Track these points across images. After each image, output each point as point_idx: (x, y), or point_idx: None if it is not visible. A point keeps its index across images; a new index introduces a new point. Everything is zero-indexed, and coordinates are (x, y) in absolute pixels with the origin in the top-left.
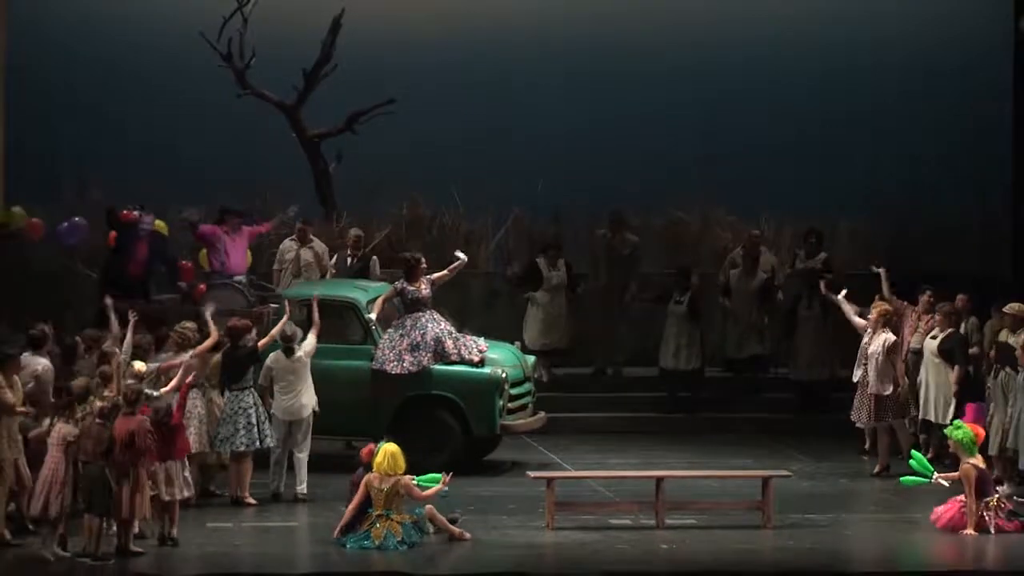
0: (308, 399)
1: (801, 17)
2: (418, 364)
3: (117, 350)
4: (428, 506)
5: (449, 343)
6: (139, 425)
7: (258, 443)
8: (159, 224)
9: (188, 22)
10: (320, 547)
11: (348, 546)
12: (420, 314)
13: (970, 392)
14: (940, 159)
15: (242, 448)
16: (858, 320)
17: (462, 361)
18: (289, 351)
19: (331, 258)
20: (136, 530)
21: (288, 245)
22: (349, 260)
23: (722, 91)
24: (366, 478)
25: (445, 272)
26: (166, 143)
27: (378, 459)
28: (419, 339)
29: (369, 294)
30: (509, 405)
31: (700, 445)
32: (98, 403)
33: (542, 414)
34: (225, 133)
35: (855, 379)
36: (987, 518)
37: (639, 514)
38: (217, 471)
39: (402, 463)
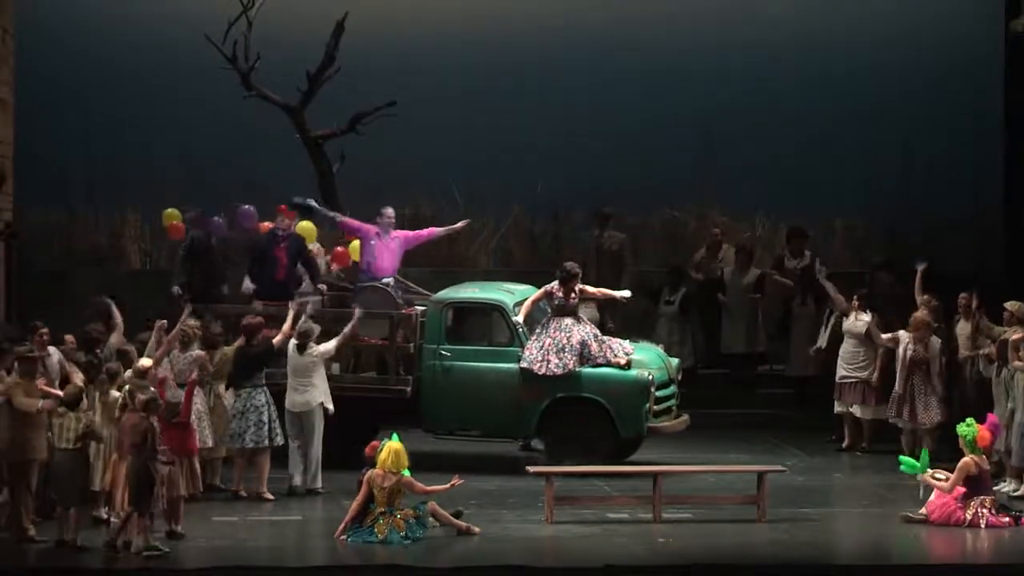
0: (318, 395)
1: (798, 18)
2: (563, 367)
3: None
4: (430, 502)
5: (594, 346)
6: (142, 422)
7: (267, 441)
8: (304, 226)
9: (193, 24)
10: (324, 541)
11: (351, 541)
12: (565, 317)
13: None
14: (933, 159)
15: (250, 445)
16: (885, 337)
17: (608, 364)
18: (302, 348)
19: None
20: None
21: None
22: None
23: (720, 91)
24: (369, 475)
25: (599, 292)
26: (171, 144)
27: (382, 456)
28: (564, 341)
29: (516, 297)
30: (655, 407)
31: (695, 441)
32: (141, 396)
33: (685, 416)
34: (230, 134)
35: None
36: (980, 514)
37: (636, 508)
38: (220, 466)
39: (405, 460)
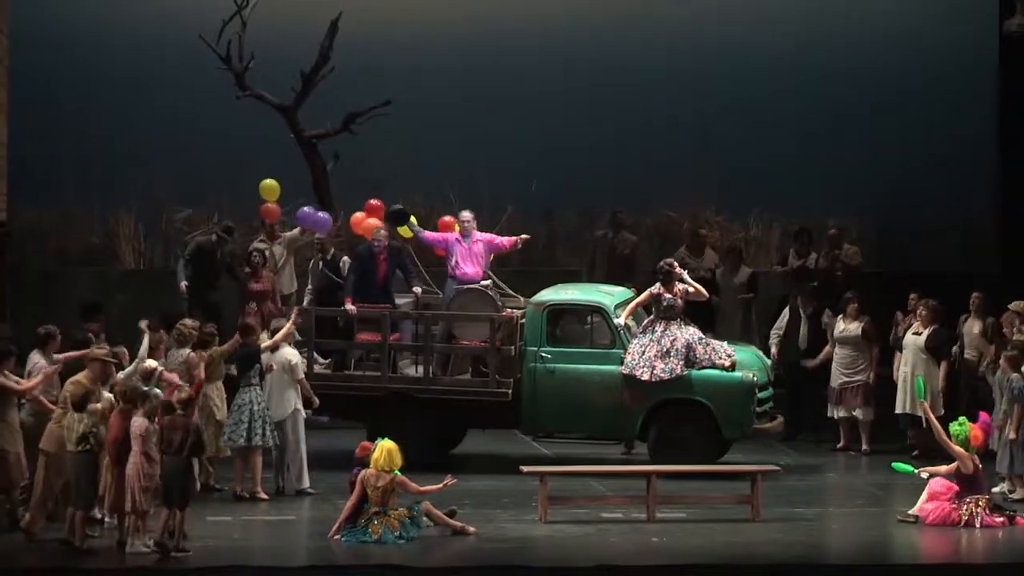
0: (290, 399)
1: (793, 19)
2: (670, 372)
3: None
4: (425, 502)
5: (699, 348)
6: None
7: (259, 439)
8: (402, 230)
9: (188, 24)
10: (319, 540)
11: (345, 540)
12: (670, 321)
13: (956, 388)
14: (927, 159)
15: (241, 443)
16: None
17: (713, 366)
18: (274, 349)
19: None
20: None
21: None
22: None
23: (715, 93)
24: (362, 475)
25: (695, 291)
26: (166, 144)
27: (375, 455)
28: (669, 346)
29: (616, 298)
30: (756, 409)
31: None
32: (182, 394)
33: (780, 418)
34: (224, 134)
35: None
36: (975, 514)
37: (630, 508)
38: (217, 465)
39: (398, 460)
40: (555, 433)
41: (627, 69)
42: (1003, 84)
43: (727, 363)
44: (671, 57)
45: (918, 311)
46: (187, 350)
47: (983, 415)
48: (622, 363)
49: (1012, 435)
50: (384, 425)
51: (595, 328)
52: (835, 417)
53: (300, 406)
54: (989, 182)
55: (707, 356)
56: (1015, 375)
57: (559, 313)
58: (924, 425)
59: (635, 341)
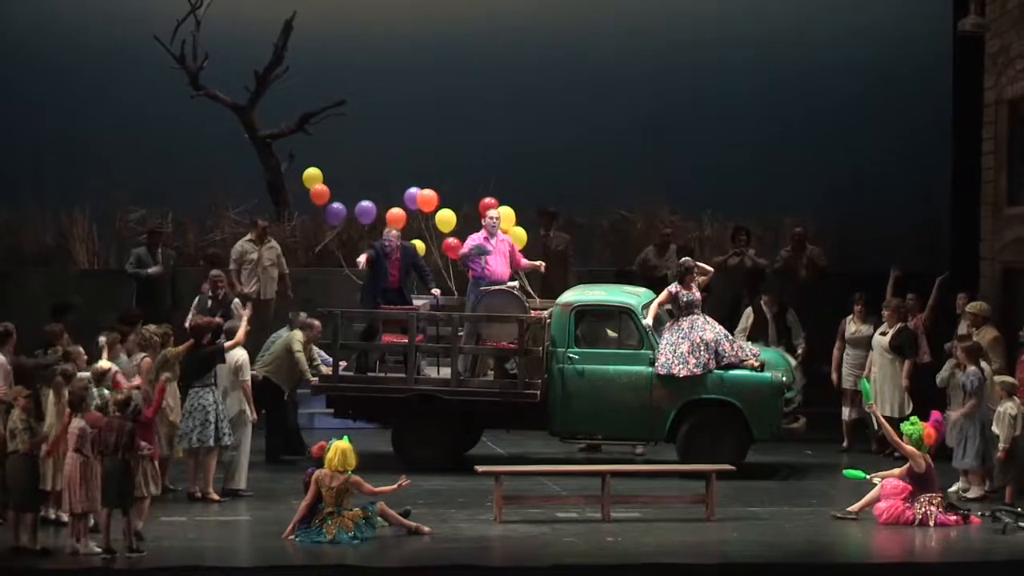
0: (235, 399)
1: (746, 19)
2: (703, 366)
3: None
4: (380, 503)
5: (727, 345)
6: (118, 422)
7: (213, 441)
8: (416, 243)
9: (142, 24)
10: (273, 541)
11: (300, 540)
12: (695, 317)
13: (922, 386)
14: (882, 159)
15: (197, 445)
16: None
17: (740, 364)
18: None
19: None
20: (91, 523)
21: (247, 246)
22: (208, 301)
23: (669, 93)
24: (317, 475)
25: (703, 278)
26: (120, 144)
27: (329, 455)
28: (698, 341)
29: (642, 299)
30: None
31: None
32: (119, 396)
33: (803, 418)
34: (177, 134)
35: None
36: (928, 512)
37: (585, 508)
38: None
39: (352, 460)
40: (582, 435)
41: (581, 69)
42: (957, 83)
43: (756, 363)
44: (624, 57)
45: (883, 311)
46: (138, 356)
47: (935, 413)
48: (651, 363)
49: (958, 424)
50: (408, 427)
51: (623, 329)
52: (847, 420)
53: (246, 407)
54: (944, 182)
55: (735, 353)
56: (972, 368)
57: (586, 314)
58: (876, 427)
59: (664, 340)
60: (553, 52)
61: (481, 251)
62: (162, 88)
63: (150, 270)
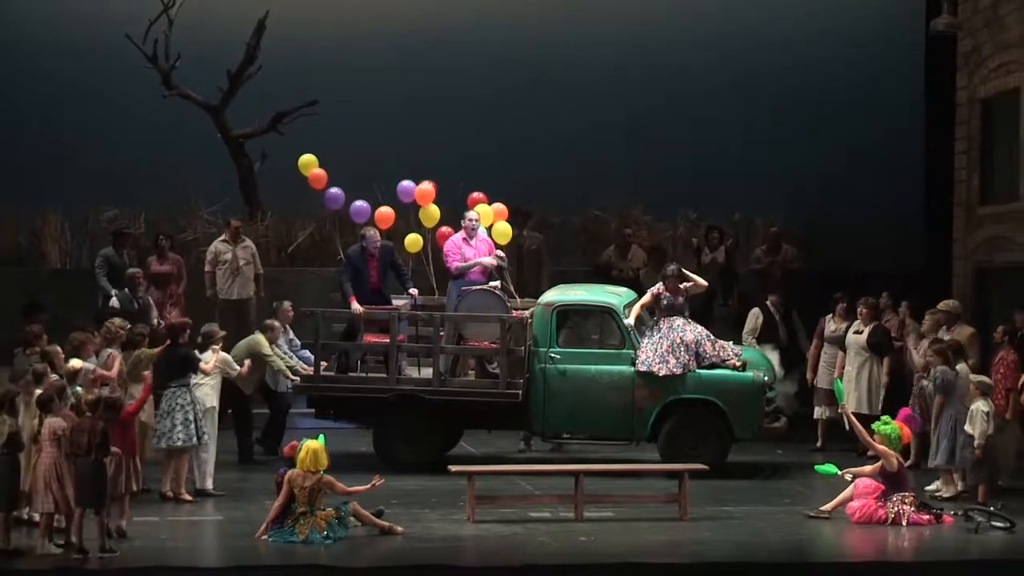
0: (208, 393)
1: (720, 18)
2: (683, 366)
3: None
4: (352, 502)
5: (708, 345)
6: (89, 422)
7: (192, 440)
8: (410, 239)
9: (114, 23)
10: (246, 541)
11: (272, 540)
12: (674, 318)
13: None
14: (854, 158)
15: (179, 444)
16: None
17: (722, 364)
18: (203, 349)
19: None
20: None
21: (221, 247)
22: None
23: (643, 92)
24: (289, 475)
25: (691, 284)
26: (92, 143)
27: (300, 455)
28: (678, 341)
29: (623, 299)
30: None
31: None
32: (89, 395)
33: (784, 418)
34: (149, 134)
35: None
36: (901, 511)
37: (558, 507)
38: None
39: (324, 460)
40: (564, 434)
41: (555, 70)
42: (930, 83)
43: (738, 363)
44: (599, 58)
45: (858, 309)
46: (112, 349)
47: (903, 410)
48: (633, 363)
49: (931, 425)
50: (390, 427)
51: (604, 328)
52: (821, 418)
53: (216, 403)
54: (916, 182)
55: (716, 353)
56: (941, 367)
57: (568, 314)
58: (847, 427)
59: (645, 340)
60: (527, 53)
61: (470, 267)
62: (135, 88)
63: (112, 302)
